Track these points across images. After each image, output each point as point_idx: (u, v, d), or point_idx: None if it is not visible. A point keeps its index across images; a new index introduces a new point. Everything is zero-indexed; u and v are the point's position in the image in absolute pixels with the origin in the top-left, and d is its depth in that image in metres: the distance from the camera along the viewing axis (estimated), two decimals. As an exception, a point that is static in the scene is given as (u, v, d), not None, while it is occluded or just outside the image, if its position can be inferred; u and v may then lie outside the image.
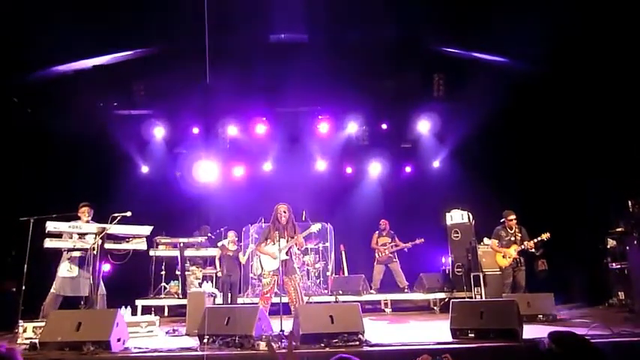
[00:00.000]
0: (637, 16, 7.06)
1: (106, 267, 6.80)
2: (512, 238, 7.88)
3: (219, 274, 9.24)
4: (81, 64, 9.51)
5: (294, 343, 4.95)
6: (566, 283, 8.91)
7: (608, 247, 8.73)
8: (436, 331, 5.93)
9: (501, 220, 8.19)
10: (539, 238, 7.69)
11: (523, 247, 7.70)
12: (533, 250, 7.76)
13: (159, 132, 11.23)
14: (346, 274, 10.45)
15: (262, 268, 6.58)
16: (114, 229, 6.28)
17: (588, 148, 8.95)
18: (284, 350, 4.70)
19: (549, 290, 7.18)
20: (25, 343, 5.23)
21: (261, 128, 11.49)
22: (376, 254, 10.13)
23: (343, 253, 10.69)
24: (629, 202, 7.77)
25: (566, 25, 7.55)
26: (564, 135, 9.35)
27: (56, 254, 6.53)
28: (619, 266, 8.36)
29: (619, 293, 8.32)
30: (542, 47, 7.93)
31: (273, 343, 4.77)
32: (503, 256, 7.89)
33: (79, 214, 6.62)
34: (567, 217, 8.99)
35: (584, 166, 9.05)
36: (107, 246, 6.31)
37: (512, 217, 7.98)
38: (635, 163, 8.05)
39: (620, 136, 8.34)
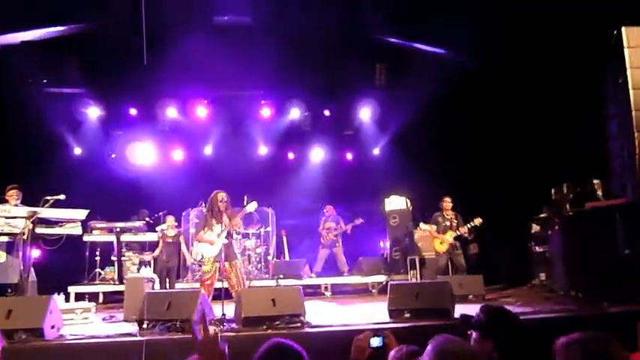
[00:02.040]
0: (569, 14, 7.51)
1: (36, 253, 6.49)
2: (448, 224, 8.29)
3: (157, 259, 9.05)
4: (6, 38, 8.90)
5: (234, 326, 4.99)
6: (494, 265, 9.46)
7: (533, 231, 9.35)
8: (375, 312, 6.16)
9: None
10: (471, 224, 8.16)
11: (458, 232, 8.14)
12: (466, 235, 8.22)
13: (93, 112, 10.72)
14: (287, 258, 10.55)
15: (202, 255, 6.53)
16: (46, 212, 6.01)
17: (518, 138, 9.49)
18: (227, 333, 4.73)
19: (479, 272, 7.63)
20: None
21: (202, 111, 11.24)
22: (321, 238, 10.29)
23: (284, 237, 10.77)
24: (552, 190, 8.32)
25: (501, 19, 7.92)
26: (497, 125, 9.85)
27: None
28: (541, 250, 8.99)
29: (541, 275, 8.95)
30: (479, 40, 8.28)
31: (214, 327, 4.79)
32: (441, 242, 8.29)
33: (6, 198, 6.27)
34: (498, 203, 9.52)
35: (514, 155, 9.59)
36: (39, 230, 6.04)
37: (445, 199, 8.42)
38: (558, 154, 8.66)
39: (547, 128, 8.90)
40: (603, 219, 6.74)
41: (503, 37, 8.22)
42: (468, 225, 8.19)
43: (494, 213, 9.06)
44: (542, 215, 8.94)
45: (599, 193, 7.42)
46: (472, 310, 5.60)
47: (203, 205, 9.77)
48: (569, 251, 7.48)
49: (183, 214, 10.23)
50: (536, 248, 9.15)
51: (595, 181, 7.51)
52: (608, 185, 7.57)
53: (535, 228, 9.31)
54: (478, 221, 8.14)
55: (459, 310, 5.51)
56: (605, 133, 7.90)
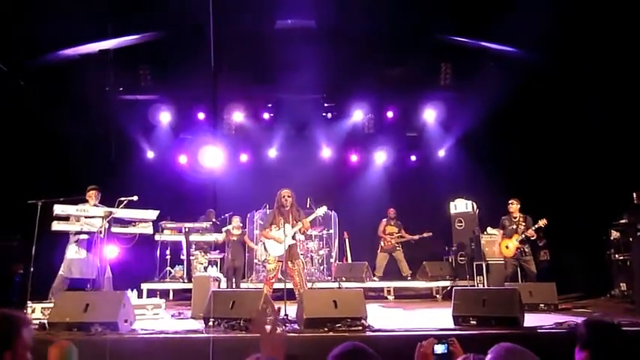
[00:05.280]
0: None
1: (113, 251, 6.85)
2: (515, 227, 7.93)
3: (224, 259, 9.32)
4: (87, 48, 9.51)
5: (296, 327, 5.02)
6: (568, 273, 8.94)
7: (612, 238, 8.74)
8: (438, 318, 6.00)
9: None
10: (536, 226, 7.74)
11: (523, 235, 7.76)
12: (534, 237, 7.82)
13: (165, 117, 11.25)
14: (350, 261, 10.52)
15: (267, 254, 6.63)
16: (121, 212, 6.35)
17: (594, 140, 8.92)
18: (289, 334, 4.76)
19: (551, 280, 7.22)
20: (34, 324, 5.31)
21: (266, 115, 11.50)
22: (381, 242, 10.19)
23: (347, 240, 10.75)
24: (634, 195, 7.75)
25: (575, 16, 7.49)
26: (570, 125, 9.32)
27: (64, 237, 6.61)
28: (622, 258, 8.38)
29: (621, 284, 8.33)
30: (551, 37, 7.89)
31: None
32: (507, 247, 7.95)
33: (86, 198, 6.69)
34: (571, 207, 9.00)
35: (589, 157, 9.03)
36: (114, 230, 6.39)
37: (511, 201, 8.06)
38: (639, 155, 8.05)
39: (626, 128, 8.30)
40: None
41: (576, 31, 7.75)
42: (533, 227, 7.77)
43: (567, 218, 8.58)
44: (623, 221, 8.32)
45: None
46: (544, 319, 5.34)
47: (267, 207, 9.99)
48: (655, 260, 6.91)
49: (248, 215, 10.47)
50: (616, 256, 8.54)
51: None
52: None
53: (614, 234, 8.70)
54: (543, 222, 7.69)
55: (529, 319, 5.26)
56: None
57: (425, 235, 9.92)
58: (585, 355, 2.28)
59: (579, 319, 3.89)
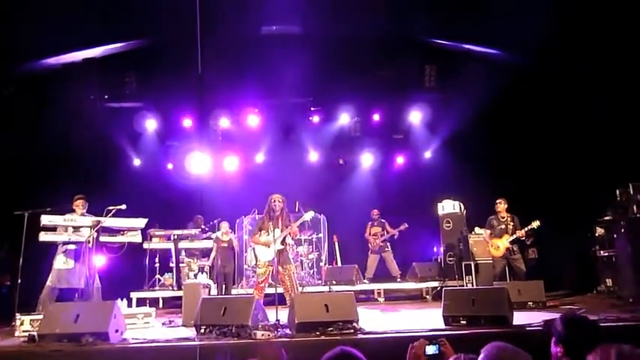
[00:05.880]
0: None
1: (101, 260, 6.81)
2: (503, 227, 8.02)
3: (214, 266, 9.28)
4: (71, 57, 9.44)
5: (288, 331, 5.03)
6: (555, 270, 9.06)
7: (597, 235, 8.87)
8: (429, 319, 6.04)
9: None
10: (529, 227, 7.84)
11: (515, 236, 7.85)
12: (524, 238, 7.92)
13: (151, 124, 11.19)
14: (339, 264, 10.54)
15: (257, 259, 6.62)
16: (109, 221, 6.31)
17: (578, 138, 9.06)
18: (281, 339, 4.78)
19: (539, 278, 7.32)
20: (23, 336, 5.27)
21: (253, 120, 11.49)
22: (369, 244, 10.25)
23: (336, 243, 10.77)
24: (617, 191, 7.89)
25: (558, 17, 7.61)
26: (555, 125, 9.45)
27: (52, 247, 6.54)
28: (607, 254, 8.51)
29: (607, 280, 8.47)
30: (534, 38, 8.00)
31: (269, 332, 4.86)
32: (496, 247, 8.03)
33: (73, 207, 6.63)
34: (557, 206, 9.12)
35: (573, 156, 9.17)
36: (102, 239, 6.35)
37: (499, 200, 8.16)
38: (623, 152, 8.19)
39: (610, 126, 8.45)
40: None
41: (558, 32, 7.87)
42: (526, 228, 7.87)
43: (554, 216, 8.69)
44: (607, 218, 8.47)
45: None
46: (533, 317, 5.41)
47: (256, 212, 9.99)
48: (638, 256, 7.05)
49: (237, 221, 10.44)
50: (601, 252, 8.68)
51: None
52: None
53: (599, 231, 8.83)
54: (536, 224, 7.80)
55: (518, 317, 5.33)
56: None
57: (401, 227, 10.10)
58: (560, 350, 2.34)
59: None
